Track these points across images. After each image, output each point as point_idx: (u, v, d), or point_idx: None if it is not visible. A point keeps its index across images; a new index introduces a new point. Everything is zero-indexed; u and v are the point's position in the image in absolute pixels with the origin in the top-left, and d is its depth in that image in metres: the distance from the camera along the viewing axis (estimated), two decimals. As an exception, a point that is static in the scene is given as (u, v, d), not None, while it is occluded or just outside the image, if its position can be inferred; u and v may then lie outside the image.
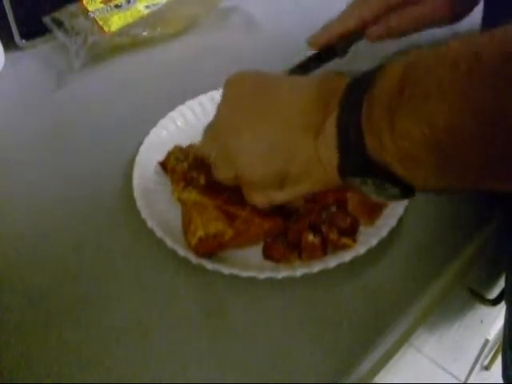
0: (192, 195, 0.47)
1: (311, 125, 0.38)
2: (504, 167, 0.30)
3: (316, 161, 0.38)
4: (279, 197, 0.43)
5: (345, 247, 0.46)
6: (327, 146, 0.37)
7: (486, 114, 0.28)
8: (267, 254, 0.47)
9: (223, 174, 0.44)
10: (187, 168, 0.49)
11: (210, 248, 0.45)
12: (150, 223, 0.47)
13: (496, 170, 0.31)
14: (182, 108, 0.58)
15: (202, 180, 0.48)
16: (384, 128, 0.33)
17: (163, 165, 0.52)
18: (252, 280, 0.44)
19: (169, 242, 0.46)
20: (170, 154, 0.52)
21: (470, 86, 0.29)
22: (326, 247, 0.47)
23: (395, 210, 0.48)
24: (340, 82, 0.38)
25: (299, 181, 0.40)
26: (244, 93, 0.42)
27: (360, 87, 0.35)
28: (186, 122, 0.58)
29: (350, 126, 0.35)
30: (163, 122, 0.57)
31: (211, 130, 0.45)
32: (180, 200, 0.48)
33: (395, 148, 0.32)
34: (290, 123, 0.39)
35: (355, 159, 0.35)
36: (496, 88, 0.28)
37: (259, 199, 0.43)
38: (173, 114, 0.57)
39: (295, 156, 0.39)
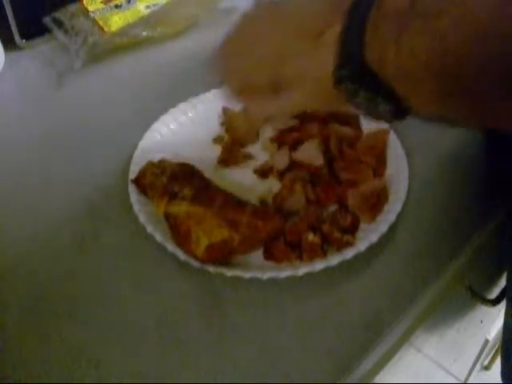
0: (182, 207, 0.46)
1: (314, 28, 0.38)
2: (505, 101, 0.30)
3: (311, 65, 0.38)
4: (274, 105, 0.42)
5: (347, 245, 0.46)
6: (326, 52, 0.36)
7: (498, 40, 0.28)
8: (268, 255, 0.47)
9: (232, 82, 0.45)
10: (166, 182, 0.48)
11: (219, 256, 0.45)
12: (149, 229, 0.47)
13: (496, 102, 0.31)
14: (175, 110, 0.58)
15: (188, 191, 0.47)
16: (390, 43, 0.32)
17: (137, 182, 0.51)
18: (252, 280, 0.44)
19: (169, 247, 0.46)
20: (144, 171, 0.50)
21: (486, 8, 0.28)
22: (326, 247, 0.47)
23: (394, 206, 0.48)
24: None
25: (292, 86, 0.39)
26: (258, 13, 0.43)
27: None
28: (187, 120, 0.58)
29: (353, 36, 0.34)
30: (157, 125, 0.57)
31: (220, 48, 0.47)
32: (167, 214, 0.47)
33: (398, 65, 0.32)
34: (292, 25, 0.39)
35: (352, 65, 0.35)
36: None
37: (257, 108, 0.44)
38: (168, 116, 0.58)
39: (291, 56, 0.38)
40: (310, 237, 0.46)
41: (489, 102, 0.31)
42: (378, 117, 0.36)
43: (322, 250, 0.46)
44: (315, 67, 0.38)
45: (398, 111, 0.35)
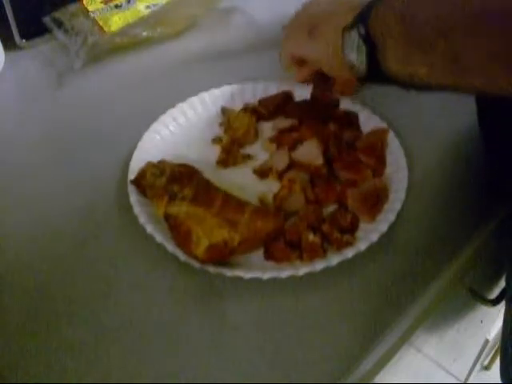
0: (183, 208, 0.46)
1: (352, 4, 0.48)
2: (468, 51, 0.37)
3: (338, 19, 0.48)
4: (304, 44, 0.53)
5: (347, 245, 0.46)
6: (350, 15, 0.46)
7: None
8: (268, 255, 0.46)
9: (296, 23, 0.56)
10: (166, 182, 0.48)
11: (219, 256, 0.45)
12: (149, 229, 0.47)
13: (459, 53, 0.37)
14: (175, 110, 0.58)
15: (188, 191, 0.47)
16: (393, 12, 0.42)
17: (137, 182, 0.51)
18: (252, 280, 0.44)
19: (169, 248, 0.46)
20: (144, 171, 0.50)
21: None
22: (326, 247, 0.47)
23: (394, 206, 0.48)
24: None
25: (320, 35, 0.50)
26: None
27: None
28: (186, 121, 0.58)
29: (366, 12, 0.44)
30: (156, 126, 0.57)
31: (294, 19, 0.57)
32: (167, 215, 0.47)
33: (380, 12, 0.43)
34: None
35: (361, 22, 0.44)
36: None
37: (292, 45, 0.56)
38: (167, 116, 0.58)
39: (330, 13, 0.50)
40: (310, 237, 0.46)
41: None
42: (358, 67, 0.45)
43: (322, 250, 0.46)
44: (339, 19, 0.47)
45: (373, 66, 0.44)
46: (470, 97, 0.54)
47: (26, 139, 0.59)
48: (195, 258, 0.45)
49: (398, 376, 0.58)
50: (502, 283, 0.65)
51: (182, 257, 0.45)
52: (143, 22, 0.70)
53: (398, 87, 0.44)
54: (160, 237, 0.47)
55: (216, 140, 0.57)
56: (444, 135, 0.57)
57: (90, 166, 0.56)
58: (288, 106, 0.58)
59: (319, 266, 0.45)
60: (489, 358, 1.02)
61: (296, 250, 0.46)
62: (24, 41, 0.70)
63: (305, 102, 0.59)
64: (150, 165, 0.51)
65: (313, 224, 0.48)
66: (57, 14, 0.69)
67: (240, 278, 0.44)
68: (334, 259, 0.45)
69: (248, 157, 0.55)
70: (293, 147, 0.54)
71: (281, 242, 0.47)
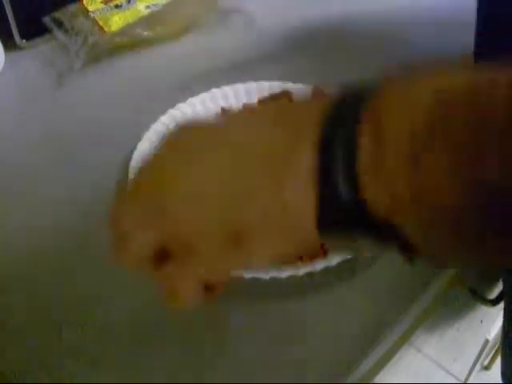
0: None
1: (273, 159, 0.27)
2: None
3: (281, 208, 0.27)
4: (231, 264, 0.31)
5: None
6: (299, 190, 0.27)
7: None
8: None
9: (144, 237, 0.32)
10: None
11: None
12: None
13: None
14: (174, 110, 0.58)
15: None
16: (401, 181, 0.24)
17: None
18: (253, 280, 0.44)
19: None
20: None
21: None
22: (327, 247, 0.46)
23: None
24: (314, 103, 0.29)
25: (257, 238, 0.28)
26: (185, 135, 0.32)
27: (352, 111, 0.26)
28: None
29: (337, 170, 0.25)
30: (156, 126, 0.56)
31: (131, 186, 0.34)
32: None
33: (416, 209, 0.24)
34: (242, 158, 0.28)
35: (345, 212, 0.26)
36: None
37: (201, 271, 0.31)
38: (167, 116, 0.57)
39: (251, 201, 0.28)
40: None
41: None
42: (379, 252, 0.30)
43: (322, 250, 0.46)
44: (287, 219, 0.27)
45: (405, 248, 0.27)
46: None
47: (25, 139, 0.59)
48: None
49: (397, 376, 0.58)
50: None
51: None
52: (143, 21, 0.69)
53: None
54: None
55: (216, 140, 0.57)
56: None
57: (89, 165, 0.55)
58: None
59: (319, 266, 0.45)
60: (489, 358, 1.02)
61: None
62: (24, 41, 0.69)
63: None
64: None
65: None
66: (57, 14, 0.69)
67: (240, 278, 0.44)
68: (334, 259, 0.45)
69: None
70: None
71: None
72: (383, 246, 0.27)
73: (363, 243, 0.27)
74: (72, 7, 0.71)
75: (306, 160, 0.26)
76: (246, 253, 0.29)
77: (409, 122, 0.24)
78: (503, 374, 0.65)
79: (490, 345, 0.92)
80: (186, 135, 0.32)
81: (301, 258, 0.46)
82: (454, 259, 0.28)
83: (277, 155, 0.27)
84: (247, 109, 0.34)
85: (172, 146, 0.32)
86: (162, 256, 0.32)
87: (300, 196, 0.27)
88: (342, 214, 0.26)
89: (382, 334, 0.43)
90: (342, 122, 0.26)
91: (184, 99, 0.59)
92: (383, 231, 0.26)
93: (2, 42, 0.67)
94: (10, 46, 0.69)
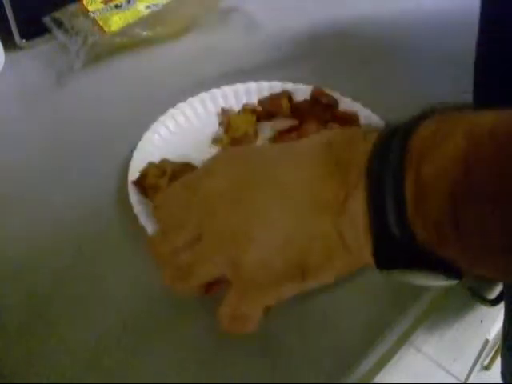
0: None
1: (326, 202, 0.31)
2: None
3: (339, 246, 0.31)
4: (295, 291, 0.35)
5: None
6: (354, 229, 0.30)
7: None
8: None
9: (206, 270, 0.35)
10: (168, 182, 0.48)
11: None
12: (150, 230, 0.47)
13: None
14: (175, 110, 0.58)
15: None
16: (446, 219, 0.26)
17: (138, 183, 0.50)
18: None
19: None
20: (145, 172, 0.50)
21: None
22: None
23: None
24: (359, 143, 0.30)
25: (321, 270, 0.33)
26: (237, 170, 0.35)
27: (394, 153, 0.27)
28: (186, 121, 0.58)
29: (387, 210, 0.27)
30: (156, 126, 0.56)
31: (198, 195, 0.35)
32: None
33: (462, 245, 0.26)
34: (300, 204, 0.31)
35: (399, 251, 0.28)
36: None
37: (267, 299, 0.35)
38: (167, 116, 0.57)
39: (313, 243, 0.31)
40: None
41: None
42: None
43: None
44: (346, 254, 0.32)
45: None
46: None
47: (25, 139, 0.59)
48: None
49: (397, 376, 0.58)
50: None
51: None
52: (143, 21, 0.69)
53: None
54: None
55: (216, 140, 0.57)
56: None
57: (89, 165, 0.56)
58: (288, 106, 0.58)
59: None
60: (489, 358, 1.03)
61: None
62: (24, 41, 0.69)
63: (305, 101, 0.59)
64: (151, 166, 0.51)
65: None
66: (57, 14, 0.69)
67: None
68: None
69: (248, 157, 0.55)
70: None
71: None
72: (435, 274, 0.29)
73: (416, 274, 0.30)
74: (72, 7, 0.71)
75: (359, 207, 0.29)
76: (310, 283, 0.33)
77: (446, 179, 0.26)
78: (503, 374, 0.65)
79: (489, 345, 0.92)
80: (236, 167, 0.35)
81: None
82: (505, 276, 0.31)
83: (332, 203, 0.30)
84: (294, 143, 0.35)
85: (224, 175, 0.35)
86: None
87: (359, 240, 0.30)
88: (397, 250, 0.28)
89: (382, 334, 0.43)
90: (387, 170, 0.27)
91: (184, 99, 0.59)
92: (434, 263, 0.28)
93: (2, 42, 0.67)
94: (9, 46, 0.69)
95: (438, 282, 0.30)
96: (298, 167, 0.32)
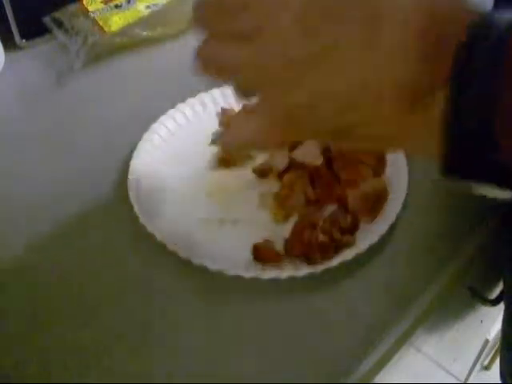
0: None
1: (407, 89, 0.27)
2: None
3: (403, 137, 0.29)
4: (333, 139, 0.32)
5: (347, 245, 0.46)
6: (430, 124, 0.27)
7: None
8: (256, 256, 0.46)
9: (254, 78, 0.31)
10: None
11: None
12: (149, 228, 0.47)
13: None
14: (175, 110, 0.58)
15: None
16: None
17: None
18: (253, 280, 0.44)
19: (169, 245, 0.46)
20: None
21: None
22: (337, 246, 0.46)
23: (394, 206, 0.48)
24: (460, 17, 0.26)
25: (369, 127, 0.29)
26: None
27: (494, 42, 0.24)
28: (186, 121, 0.58)
29: (471, 110, 0.24)
30: (156, 126, 0.56)
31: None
32: None
33: None
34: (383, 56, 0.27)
35: (474, 162, 0.26)
36: None
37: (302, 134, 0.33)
38: (167, 116, 0.57)
39: (386, 93, 0.28)
40: (321, 237, 0.46)
41: None
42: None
43: (332, 249, 0.46)
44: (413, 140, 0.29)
45: None
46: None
47: (25, 139, 0.59)
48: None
49: (397, 376, 0.58)
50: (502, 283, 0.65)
51: (183, 254, 0.46)
52: (143, 21, 0.69)
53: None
54: (160, 235, 0.47)
55: (216, 140, 0.57)
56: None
57: (89, 165, 0.56)
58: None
59: (319, 266, 0.45)
60: (489, 358, 1.02)
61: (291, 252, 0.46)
62: (24, 41, 0.69)
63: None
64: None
65: (313, 224, 0.48)
66: (57, 14, 0.69)
67: (241, 278, 0.44)
68: (334, 260, 0.45)
69: (248, 157, 0.55)
70: (293, 147, 0.54)
71: (271, 245, 0.47)
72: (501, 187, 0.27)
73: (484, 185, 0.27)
74: (72, 7, 0.71)
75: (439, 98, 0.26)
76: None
77: None
78: (502, 374, 0.65)
79: (489, 345, 0.92)
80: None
81: (308, 260, 0.46)
82: None
83: (409, 90, 0.27)
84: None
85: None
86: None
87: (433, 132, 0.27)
88: (474, 164, 0.26)
89: (382, 334, 0.43)
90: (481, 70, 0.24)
91: (184, 99, 0.59)
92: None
93: (2, 42, 0.67)
94: (9, 46, 0.69)
95: (503, 195, 0.28)
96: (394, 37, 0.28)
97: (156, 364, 0.41)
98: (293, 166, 0.52)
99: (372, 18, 0.27)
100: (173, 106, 0.58)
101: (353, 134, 0.30)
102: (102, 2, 0.72)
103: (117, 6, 0.71)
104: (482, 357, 0.97)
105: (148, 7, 0.71)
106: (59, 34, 0.68)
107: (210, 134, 0.57)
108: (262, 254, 0.46)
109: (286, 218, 0.49)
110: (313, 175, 0.51)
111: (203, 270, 0.45)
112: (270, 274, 0.44)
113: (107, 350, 0.42)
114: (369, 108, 0.28)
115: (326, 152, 0.53)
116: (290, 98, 0.29)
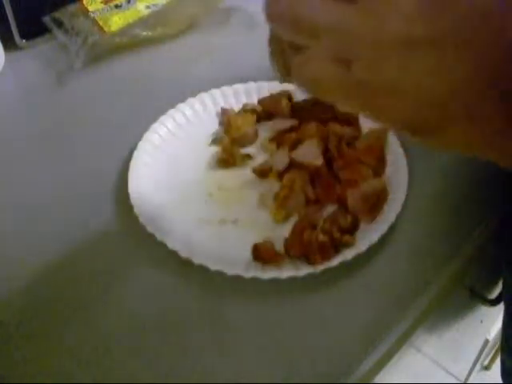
0: None
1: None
2: None
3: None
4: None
5: (347, 245, 0.46)
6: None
7: None
8: (256, 256, 0.46)
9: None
10: None
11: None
12: (149, 228, 0.47)
13: None
14: (175, 110, 0.58)
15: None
16: None
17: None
18: (253, 280, 0.44)
19: (169, 244, 0.46)
20: None
21: None
22: (337, 246, 0.46)
23: (394, 206, 0.48)
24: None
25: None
26: None
27: None
28: (186, 121, 0.58)
29: None
30: (156, 126, 0.56)
31: None
32: None
33: None
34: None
35: None
36: None
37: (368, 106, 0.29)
38: (167, 116, 0.57)
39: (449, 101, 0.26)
40: (321, 237, 0.46)
41: None
42: None
43: (333, 250, 0.46)
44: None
45: None
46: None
47: (25, 139, 0.59)
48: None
49: (397, 376, 0.58)
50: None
51: (183, 253, 0.46)
52: (143, 21, 0.69)
53: None
54: (160, 235, 0.47)
55: (216, 140, 0.57)
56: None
57: (89, 165, 0.56)
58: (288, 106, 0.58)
59: (320, 266, 0.45)
60: (489, 358, 1.02)
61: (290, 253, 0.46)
62: (24, 41, 0.69)
63: (305, 101, 0.59)
64: None
65: (313, 224, 0.48)
66: (57, 14, 0.69)
67: (240, 277, 0.44)
68: (334, 259, 0.45)
69: (248, 157, 0.55)
70: (293, 147, 0.54)
71: (271, 245, 0.47)
72: None
73: None
74: (72, 7, 0.71)
75: None
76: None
77: None
78: (503, 374, 0.65)
79: (489, 345, 0.92)
80: None
81: (308, 260, 0.46)
82: None
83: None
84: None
85: None
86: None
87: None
88: None
89: (382, 333, 0.43)
90: None
91: (184, 99, 0.59)
92: None
93: (2, 42, 0.67)
94: (9, 46, 0.69)
95: None
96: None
97: (156, 364, 0.41)
98: (293, 165, 0.52)
99: None
100: (173, 106, 0.58)
101: (433, 134, 0.28)
102: (101, 2, 0.72)
103: (117, 6, 0.71)
104: (482, 357, 0.97)
105: (148, 7, 0.71)
106: (59, 34, 0.68)
107: (210, 134, 0.57)
108: (262, 253, 0.46)
109: (286, 217, 0.49)
110: (313, 175, 0.51)
111: (203, 270, 0.45)
112: (269, 274, 0.44)
113: (107, 350, 0.42)
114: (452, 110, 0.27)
115: (326, 152, 0.53)
116: (377, 73, 0.27)
